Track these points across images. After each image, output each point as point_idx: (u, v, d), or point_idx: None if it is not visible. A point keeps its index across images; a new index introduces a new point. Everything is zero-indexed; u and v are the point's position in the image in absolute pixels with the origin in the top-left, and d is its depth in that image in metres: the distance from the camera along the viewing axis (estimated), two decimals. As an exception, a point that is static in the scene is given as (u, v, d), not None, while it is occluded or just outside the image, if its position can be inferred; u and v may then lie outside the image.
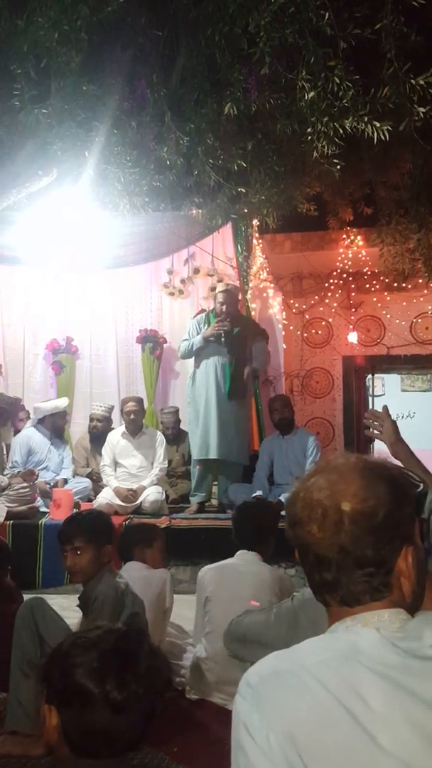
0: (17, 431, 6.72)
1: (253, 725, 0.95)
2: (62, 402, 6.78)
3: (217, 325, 6.03)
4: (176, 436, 6.83)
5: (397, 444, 2.27)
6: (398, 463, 2.18)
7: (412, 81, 3.25)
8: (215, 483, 6.37)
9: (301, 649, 1.03)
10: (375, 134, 3.37)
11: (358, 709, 0.92)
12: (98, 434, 6.75)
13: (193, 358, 6.30)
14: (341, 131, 3.46)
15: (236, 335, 6.10)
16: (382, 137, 3.37)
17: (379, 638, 0.99)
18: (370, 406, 8.70)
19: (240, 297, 6.51)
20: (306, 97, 3.35)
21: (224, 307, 6.10)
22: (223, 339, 6.01)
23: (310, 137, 3.57)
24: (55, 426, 6.58)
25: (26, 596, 3.37)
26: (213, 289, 7.02)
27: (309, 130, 3.54)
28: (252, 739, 0.94)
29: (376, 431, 2.34)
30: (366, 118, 3.30)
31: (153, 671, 1.39)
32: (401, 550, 1.04)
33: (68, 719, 1.35)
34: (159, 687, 1.40)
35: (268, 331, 6.97)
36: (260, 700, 0.96)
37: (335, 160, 3.86)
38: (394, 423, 2.33)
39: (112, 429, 6.78)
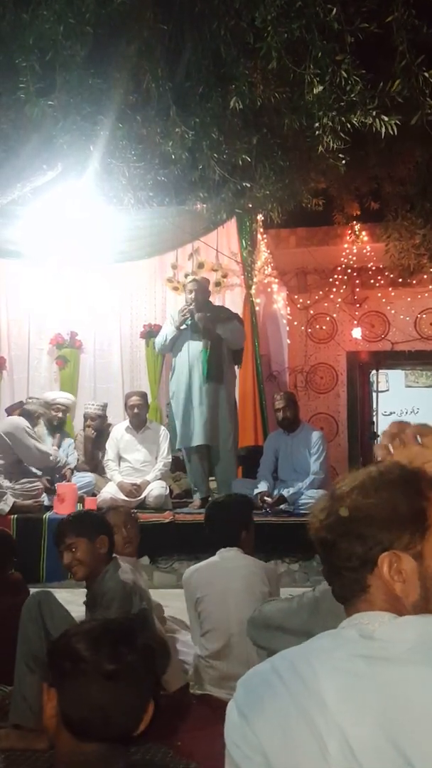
0: None
1: (229, 715, 1.05)
2: (66, 397, 6.88)
3: (184, 310, 6.13)
4: None
5: None
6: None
7: (425, 74, 3.23)
8: (212, 479, 6.37)
9: (286, 652, 1.10)
10: (383, 129, 3.35)
11: (312, 705, 0.97)
12: (96, 430, 6.77)
13: (173, 352, 6.31)
14: (349, 126, 3.44)
15: (208, 320, 6.09)
16: (391, 131, 3.34)
17: (353, 637, 1.04)
18: (374, 403, 8.69)
19: (239, 287, 6.51)
20: (314, 92, 3.33)
21: (192, 295, 6.14)
22: (192, 321, 6.05)
23: (317, 132, 3.55)
24: (51, 419, 6.67)
25: (31, 590, 3.38)
26: (218, 284, 7.01)
27: (316, 124, 3.52)
28: (227, 727, 1.05)
29: None
30: (374, 113, 3.28)
31: (149, 650, 1.41)
32: (377, 553, 1.07)
33: (65, 694, 1.37)
34: (154, 666, 1.43)
35: (272, 326, 6.97)
36: (238, 695, 1.07)
37: (340, 155, 3.84)
38: None
39: (108, 425, 6.80)
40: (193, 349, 6.13)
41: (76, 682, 1.36)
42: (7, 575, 3.53)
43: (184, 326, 6.17)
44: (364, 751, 0.93)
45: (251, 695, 1.04)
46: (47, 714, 1.38)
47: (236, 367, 6.51)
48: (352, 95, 3.26)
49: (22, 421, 5.98)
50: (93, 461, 6.79)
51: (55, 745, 1.38)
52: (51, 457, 6.00)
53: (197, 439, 6.03)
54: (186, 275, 7.30)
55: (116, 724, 1.36)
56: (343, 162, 3.99)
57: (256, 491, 5.88)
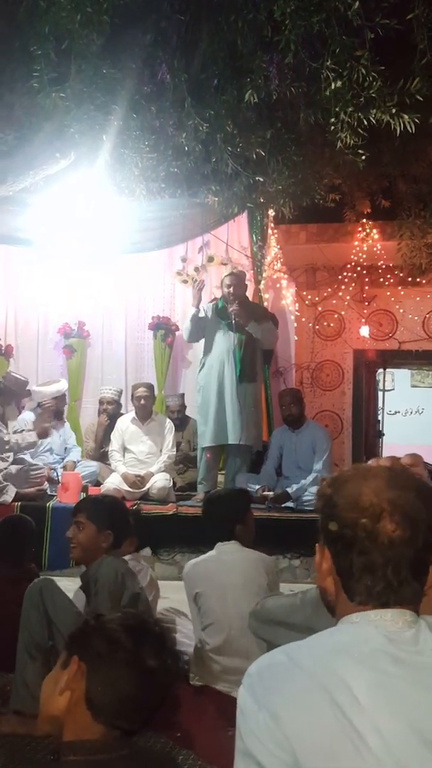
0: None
1: (246, 708, 1.01)
2: (63, 385, 6.80)
3: (229, 308, 6.04)
4: (182, 421, 6.86)
5: None
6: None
7: (444, 73, 3.21)
8: (222, 472, 6.37)
9: (301, 643, 1.09)
10: (399, 126, 3.33)
11: (344, 700, 0.96)
12: (111, 417, 6.79)
13: (204, 344, 6.27)
14: (366, 122, 3.42)
15: (241, 315, 6.05)
16: (409, 129, 3.33)
17: (376, 634, 1.03)
18: (380, 401, 8.68)
19: (248, 282, 6.48)
20: (331, 87, 3.31)
21: (231, 290, 6.08)
22: (234, 321, 6.00)
23: (333, 127, 3.53)
24: (56, 409, 6.62)
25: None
26: (226, 278, 6.99)
27: (332, 120, 3.50)
28: (245, 720, 1.00)
29: None
30: (393, 110, 3.26)
31: (177, 654, 1.46)
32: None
33: (97, 675, 1.39)
34: (178, 670, 1.48)
35: (280, 322, 6.95)
36: (254, 686, 1.03)
37: (360, 151, 3.82)
38: None
39: (122, 413, 6.81)
40: (227, 344, 6.06)
41: (113, 668, 1.39)
42: (26, 564, 3.53)
43: (203, 314, 6.13)
44: (400, 747, 0.93)
45: (273, 688, 1.01)
46: (67, 686, 1.40)
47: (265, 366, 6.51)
48: (371, 92, 3.24)
49: None
50: (101, 449, 6.80)
51: (65, 717, 1.39)
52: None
53: (230, 437, 5.97)
54: (195, 268, 7.29)
55: (136, 716, 1.39)
56: (362, 158, 3.96)
57: (258, 487, 5.88)
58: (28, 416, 6.45)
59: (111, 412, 6.83)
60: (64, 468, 6.27)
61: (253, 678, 1.05)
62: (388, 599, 1.06)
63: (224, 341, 6.08)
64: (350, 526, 1.07)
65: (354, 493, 1.09)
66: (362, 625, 1.06)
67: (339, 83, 3.26)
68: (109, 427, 6.74)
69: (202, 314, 6.17)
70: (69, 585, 3.98)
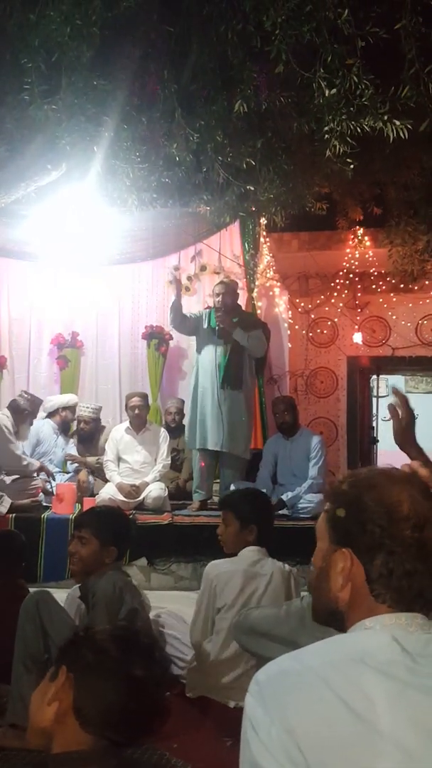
0: None
1: (257, 720, 0.96)
2: (74, 398, 6.88)
3: (218, 317, 6.09)
4: (178, 427, 6.87)
5: (408, 432, 2.19)
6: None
7: (433, 82, 3.24)
8: (217, 481, 6.36)
9: (312, 650, 1.04)
10: (391, 134, 3.35)
11: (361, 708, 0.93)
12: (86, 435, 6.75)
13: (197, 352, 6.32)
14: (359, 130, 3.44)
15: (226, 324, 6.08)
16: (402, 136, 3.35)
17: (390, 640, 1.01)
18: (374, 408, 8.69)
19: (238, 291, 6.51)
20: (324, 96, 3.33)
21: (220, 298, 6.11)
22: (218, 328, 6.06)
23: (326, 136, 3.55)
24: (64, 421, 6.67)
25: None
26: (219, 287, 7.01)
27: (325, 128, 3.52)
28: (255, 733, 0.95)
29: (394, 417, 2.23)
30: (385, 117, 3.28)
31: (167, 664, 1.46)
32: None
33: (85, 685, 1.38)
34: (169, 680, 1.47)
35: (273, 329, 6.97)
36: (265, 696, 0.98)
37: (348, 160, 3.84)
38: (411, 412, 2.25)
39: (103, 427, 6.79)
40: (215, 352, 6.11)
41: (100, 677, 1.39)
42: (16, 579, 3.51)
43: (189, 313, 6.22)
44: (420, 756, 0.91)
45: (287, 699, 0.96)
46: (55, 696, 1.39)
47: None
48: (363, 99, 3.26)
49: (5, 420, 5.93)
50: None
51: (54, 729, 1.38)
52: (24, 463, 5.91)
53: (209, 443, 6.01)
54: (188, 278, 7.31)
55: (124, 726, 1.38)
56: (351, 167, 3.99)
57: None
58: (38, 423, 6.52)
59: (87, 431, 6.74)
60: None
61: (263, 686, 1.00)
62: (417, 604, 1.06)
63: (212, 348, 6.13)
64: (395, 537, 1.06)
65: (392, 500, 1.08)
66: (377, 631, 1.04)
67: (332, 92, 3.28)
68: (86, 442, 6.73)
69: (186, 312, 6.25)
70: (64, 597, 3.96)
